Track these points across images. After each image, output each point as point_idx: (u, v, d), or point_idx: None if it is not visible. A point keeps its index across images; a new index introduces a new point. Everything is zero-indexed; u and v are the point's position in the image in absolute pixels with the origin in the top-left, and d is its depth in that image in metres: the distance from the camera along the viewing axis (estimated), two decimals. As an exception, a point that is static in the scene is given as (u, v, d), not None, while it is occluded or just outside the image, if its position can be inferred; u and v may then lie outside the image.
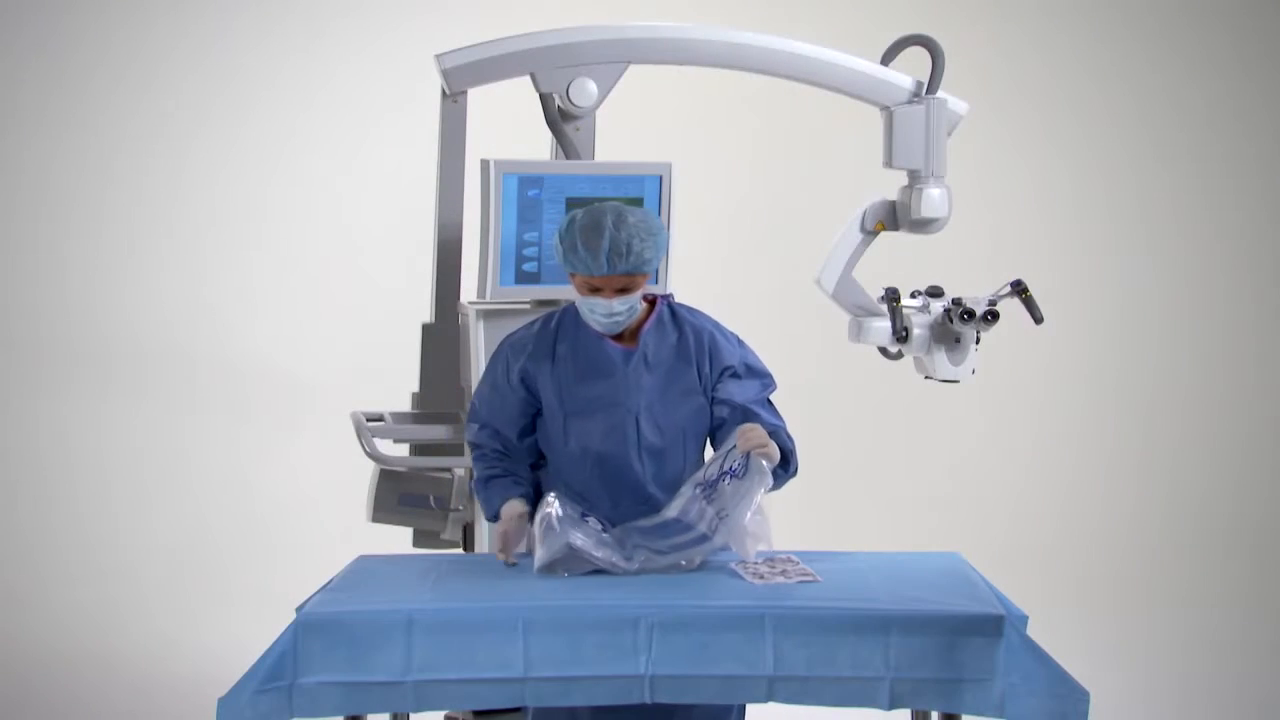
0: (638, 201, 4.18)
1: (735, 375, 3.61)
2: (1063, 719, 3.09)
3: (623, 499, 3.54)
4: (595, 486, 3.55)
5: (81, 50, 6.54)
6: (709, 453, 3.65)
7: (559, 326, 3.63)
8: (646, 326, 3.60)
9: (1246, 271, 7.01)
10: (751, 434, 3.44)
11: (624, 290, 3.52)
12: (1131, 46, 7.02)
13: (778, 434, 3.53)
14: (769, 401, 3.65)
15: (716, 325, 3.67)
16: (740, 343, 3.67)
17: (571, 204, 4.16)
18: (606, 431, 3.54)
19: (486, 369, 3.70)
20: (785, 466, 3.52)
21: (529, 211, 4.15)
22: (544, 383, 3.58)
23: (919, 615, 3.17)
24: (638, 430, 3.54)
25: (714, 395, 3.60)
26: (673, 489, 3.54)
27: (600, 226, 3.48)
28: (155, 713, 5.13)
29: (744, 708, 3.61)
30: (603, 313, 3.53)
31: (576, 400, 3.56)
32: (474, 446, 3.67)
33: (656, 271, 3.84)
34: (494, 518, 3.59)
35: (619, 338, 3.60)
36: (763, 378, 3.65)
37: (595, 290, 3.52)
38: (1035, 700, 3.11)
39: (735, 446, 3.45)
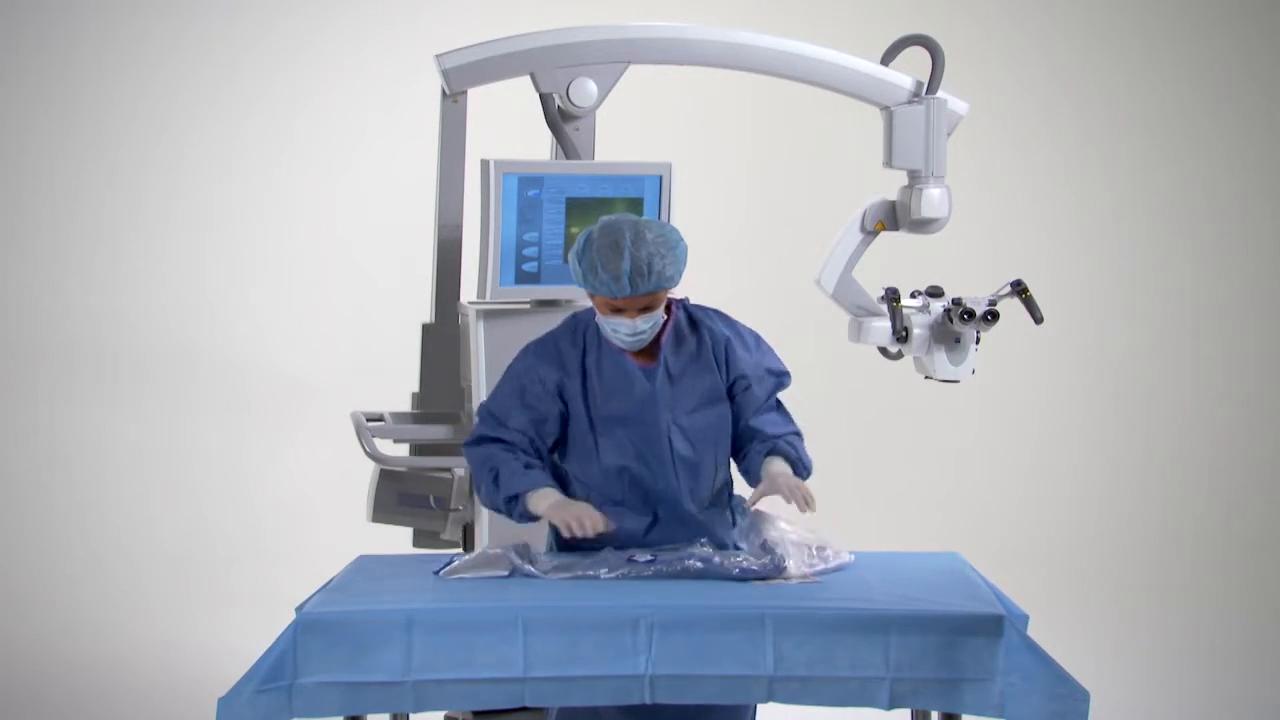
0: (637, 202, 4.19)
1: (748, 386, 3.60)
2: (1062, 719, 3.09)
3: (660, 514, 3.54)
4: (633, 501, 3.54)
5: (81, 50, 6.54)
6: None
7: (585, 339, 3.58)
8: (664, 338, 3.57)
9: (1247, 270, 7.01)
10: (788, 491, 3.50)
11: (647, 309, 3.49)
12: (1132, 46, 7.02)
13: (788, 444, 3.58)
14: (779, 403, 3.65)
15: (732, 326, 3.64)
16: (758, 342, 3.65)
17: (572, 204, 4.16)
18: (640, 448, 3.52)
19: (510, 376, 3.59)
20: (802, 463, 3.60)
21: (529, 211, 4.15)
22: (573, 397, 3.54)
23: (919, 615, 3.16)
24: (670, 446, 3.53)
25: (733, 402, 3.61)
26: (705, 501, 3.56)
27: (619, 247, 3.42)
28: (155, 713, 5.12)
29: (755, 708, 3.61)
30: (627, 332, 3.50)
31: (605, 417, 3.53)
32: (499, 441, 3.53)
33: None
34: (510, 506, 3.53)
35: (639, 351, 3.57)
36: (778, 375, 3.65)
37: (618, 310, 3.49)
38: (1035, 700, 3.10)
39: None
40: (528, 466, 3.51)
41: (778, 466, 3.54)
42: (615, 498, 3.54)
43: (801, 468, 3.58)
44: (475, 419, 3.66)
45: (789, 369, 3.68)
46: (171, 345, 6.55)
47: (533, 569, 3.39)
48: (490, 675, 3.14)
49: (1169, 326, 6.99)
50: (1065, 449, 6.90)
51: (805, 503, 3.46)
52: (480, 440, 3.58)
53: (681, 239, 3.50)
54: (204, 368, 6.57)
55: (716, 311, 3.67)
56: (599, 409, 3.54)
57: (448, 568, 3.45)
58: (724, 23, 4.42)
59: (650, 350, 3.57)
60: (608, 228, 3.47)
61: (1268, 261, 7.01)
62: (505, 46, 4.17)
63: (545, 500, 3.48)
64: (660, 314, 3.51)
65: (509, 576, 3.40)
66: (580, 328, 3.60)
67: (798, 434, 3.63)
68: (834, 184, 6.00)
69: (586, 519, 3.44)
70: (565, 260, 4.19)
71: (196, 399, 6.55)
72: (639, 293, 3.45)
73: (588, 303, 4.07)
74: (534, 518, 3.51)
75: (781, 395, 3.68)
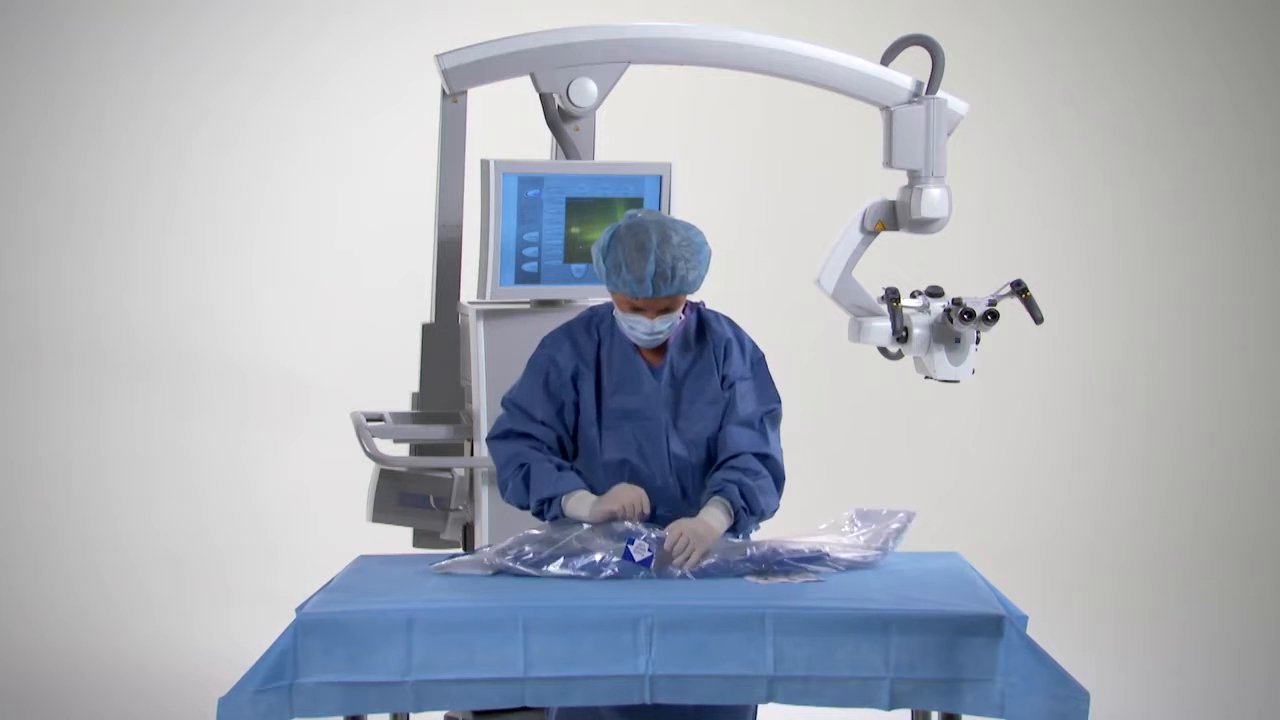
0: (637, 201, 4.19)
1: (732, 386, 3.58)
2: (1063, 719, 3.09)
3: (656, 511, 3.53)
4: None
5: (81, 50, 6.54)
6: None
7: (600, 331, 3.61)
8: (672, 339, 3.59)
9: (1247, 270, 7.01)
10: (682, 540, 3.41)
11: (666, 310, 3.50)
12: (1132, 46, 7.02)
13: (744, 486, 3.49)
14: (764, 424, 3.58)
15: (738, 335, 3.65)
16: (757, 362, 3.62)
17: (572, 204, 4.16)
18: (639, 444, 3.54)
19: (532, 367, 3.60)
20: (750, 510, 3.49)
21: (529, 211, 4.15)
22: (585, 388, 3.57)
23: (919, 615, 3.16)
24: (668, 444, 3.55)
25: None
26: (701, 502, 3.54)
27: (645, 249, 3.44)
28: (155, 713, 5.12)
29: (755, 708, 3.61)
30: (644, 330, 3.52)
31: (610, 412, 3.56)
32: (525, 437, 3.55)
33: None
34: (541, 507, 3.52)
35: (649, 349, 3.59)
36: (764, 402, 3.60)
37: (637, 309, 3.50)
38: (1035, 700, 3.10)
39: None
40: (559, 468, 3.52)
41: (705, 513, 3.47)
42: None
43: (749, 516, 3.51)
44: (501, 410, 3.63)
45: (781, 399, 3.62)
46: (172, 346, 6.55)
47: (521, 568, 3.38)
48: (490, 675, 3.14)
49: (1169, 326, 6.99)
50: (1066, 449, 6.90)
51: (683, 565, 3.39)
52: (506, 435, 3.58)
53: (705, 242, 3.52)
54: (204, 368, 6.57)
55: (728, 318, 3.68)
56: (607, 402, 3.56)
57: (437, 565, 3.46)
58: (724, 23, 4.42)
59: (659, 349, 3.60)
60: (635, 227, 3.48)
61: (1268, 261, 7.01)
62: (505, 46, 4.17)
63: (585, 504, 3.47)
64: (678, 315, 3.54)
65: (494, 575, 3.39)
66: (596, 321, 3.63)
67: (765, 456, 3.54)
68: (834, 184, 6.01)
69: (631, 503, 3.42)
70: (565, 260, 4.19)
71: (197, 399, 6.55)
72: (660, 295, 3.47)
73: (589, 303, 4.08)
74: (566, 520, 3.50)
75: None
